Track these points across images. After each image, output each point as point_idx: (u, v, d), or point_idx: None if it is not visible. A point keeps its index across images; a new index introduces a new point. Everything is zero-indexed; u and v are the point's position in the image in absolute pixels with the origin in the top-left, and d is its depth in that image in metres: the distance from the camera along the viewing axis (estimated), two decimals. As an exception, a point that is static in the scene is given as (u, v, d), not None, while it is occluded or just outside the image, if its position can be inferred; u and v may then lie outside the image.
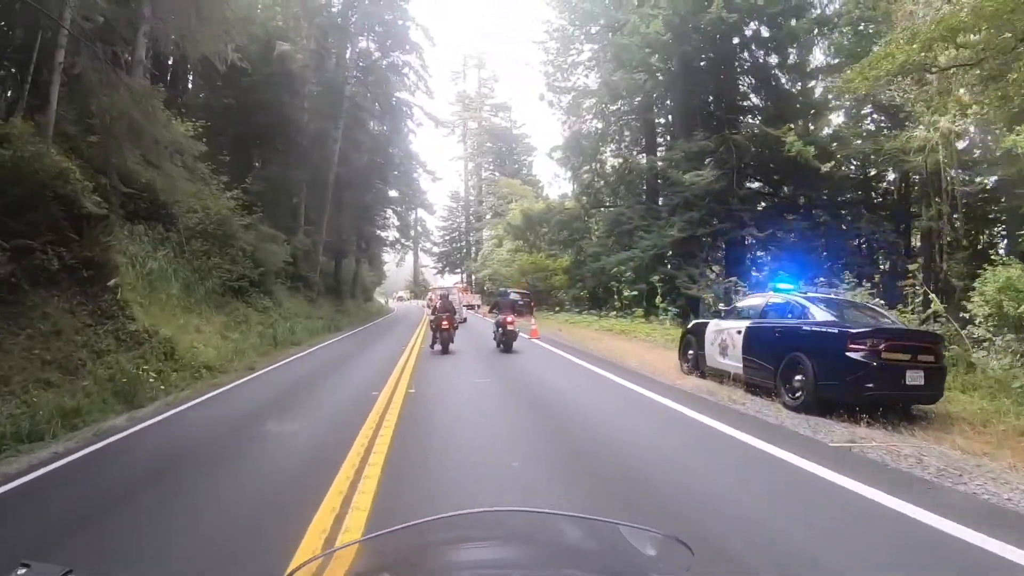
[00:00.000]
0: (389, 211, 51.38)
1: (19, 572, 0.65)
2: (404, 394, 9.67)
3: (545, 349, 17.09)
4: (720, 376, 10.86)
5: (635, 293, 24.74)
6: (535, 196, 52.95)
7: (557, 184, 59.90)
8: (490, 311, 22.08)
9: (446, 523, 1.84)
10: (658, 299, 24.19)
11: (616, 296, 27.28)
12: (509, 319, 16.71)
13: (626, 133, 34.50)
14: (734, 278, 21.51)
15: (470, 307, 31.35)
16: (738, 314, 11.15)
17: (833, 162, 24.40)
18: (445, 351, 16.23)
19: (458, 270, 76.10)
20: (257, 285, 21.54)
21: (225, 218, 20.61)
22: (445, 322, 16.36)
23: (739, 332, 10.32)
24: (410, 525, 1.61)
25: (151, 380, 10.11)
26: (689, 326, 13.17)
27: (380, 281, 66.27)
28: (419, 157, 43.26)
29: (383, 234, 54.78)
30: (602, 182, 33.66)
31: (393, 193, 46.78)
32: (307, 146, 30.75)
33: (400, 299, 79.22)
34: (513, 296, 31.55)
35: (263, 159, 29.11)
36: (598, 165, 33.68)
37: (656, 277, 25.28)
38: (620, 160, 33.85)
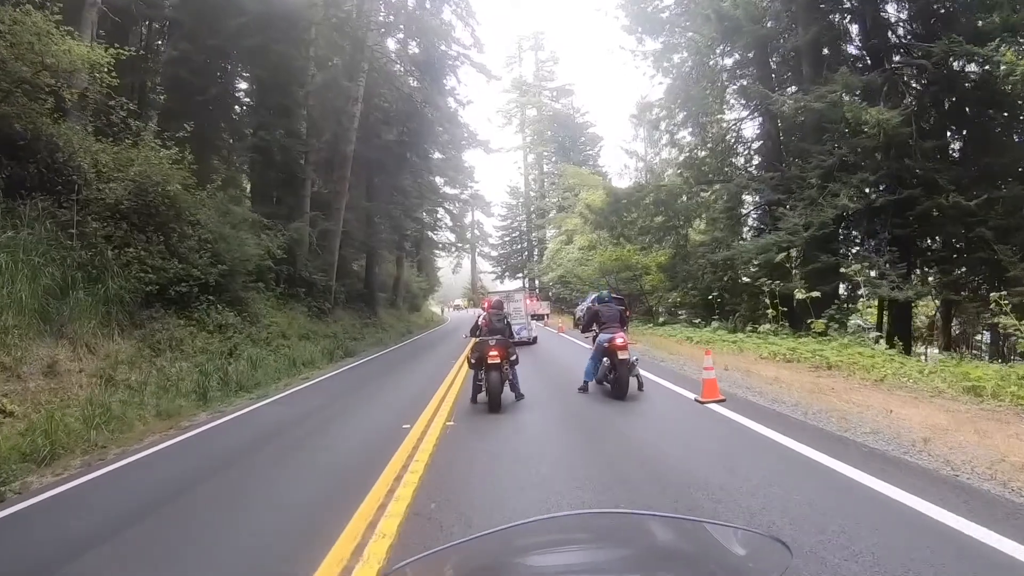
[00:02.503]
0: (440, 211, 44.49)
1: None
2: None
3: (716, 413, 8.04)
4: None
5: (815, 296, 15.73)
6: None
7: (628, 176, 52.64)
8: (580, 326, 14.07)
9: (534, 527, 1.82)
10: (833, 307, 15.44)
11: (763, 300, 18.12)
12: (620, 339, 9.18)
13: (732, 85, 25.64)
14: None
15: (537, 317, 22.92)
16: None
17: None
18: (495, 408, 8.68)
19: (519, 275, 68.26)
20: (213, 291, 13.99)
21: (176, 195, 13.31)
22: (494, 352, 8.79)
23: None
24: (498, 530, 1.65)
25: None
26: None
27: (433, 288, 59.87)
28: (469, 127, 34.76)
29: (435, 236, 48.45)
30: (711, 147, 24.91)
31: (439, 180, 39.38)
32: (316, 110, 23.38)
33: (457, 308, 74.45)
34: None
35: (257, 124, 21.69)
36: (706, 123, 24.92)
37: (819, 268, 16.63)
38: (733, 120, 25.17)
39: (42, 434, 7.00)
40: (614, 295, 11.15)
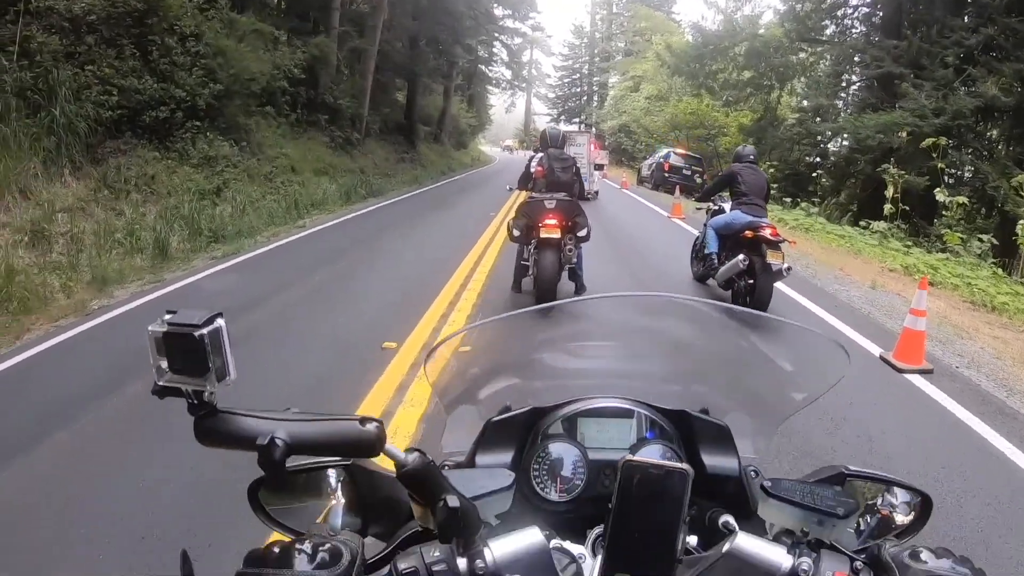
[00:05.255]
0: (497, 44, 40.65)
1: (165, 318, 0.59)
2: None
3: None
4: None
5: (961, 202, 12.45)
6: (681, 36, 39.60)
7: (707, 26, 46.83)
8: (688, 192, 11.21)
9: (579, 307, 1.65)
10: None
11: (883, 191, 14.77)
12: (770, 229, 6.27)
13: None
14: None
15: (598, 167, 20.06)
16: None
17: None
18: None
19: (575, 119, 64.26)
20: (204, 116, 11.67)
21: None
22: (552, 221, 6.01)
23: None
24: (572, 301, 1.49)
25: None
26: None
27: (482, 126, 57.38)
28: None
29: (488, 71, 45.08)
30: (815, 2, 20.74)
31: (498, 12, 35.37)
32: None
33: (507, 149, 70.68)
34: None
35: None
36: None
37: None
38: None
39: None
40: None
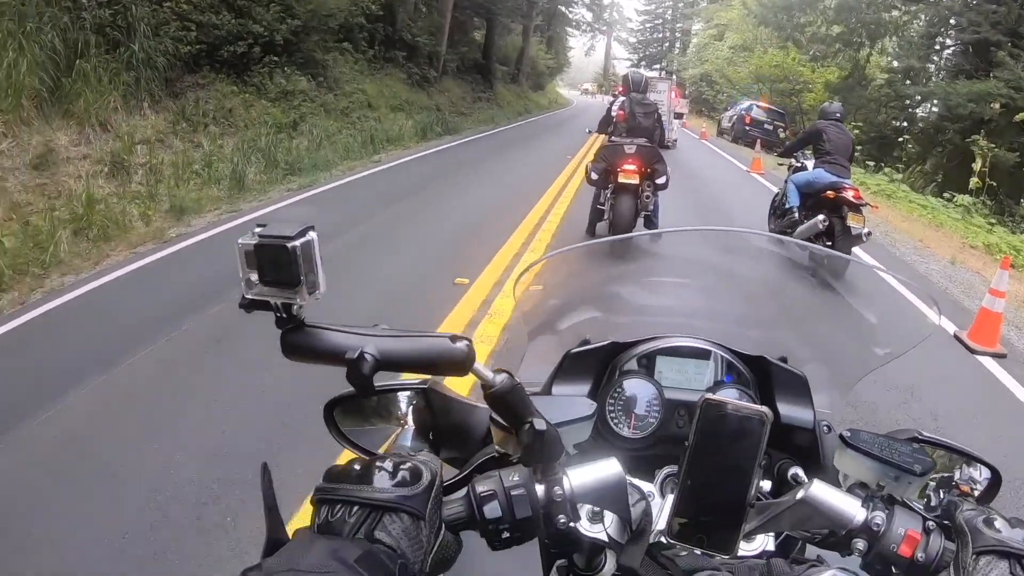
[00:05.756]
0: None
1: (256, 231, 0.58)
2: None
3: None
4: None
5: None
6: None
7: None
8: (769, 147, 10.46)
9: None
10: None
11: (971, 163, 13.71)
12: (852, 191, 6.03)
13: None
14: None
15: (677, 116, 19.41)
16: None
17: None
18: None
19: (656, 66, 62.45)
20: (281, 52, 11.59)
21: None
22: (631, 166, 5.95)
23: None
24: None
25: None
26: None
27: (561, 68, 56.04)
28: None
29: (568, 12, 44.17)
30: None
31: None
32: None
33: (585, 92, 69.92)
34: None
35: None
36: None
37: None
38: None
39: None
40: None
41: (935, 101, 17.57)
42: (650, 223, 6.23)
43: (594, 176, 6.23)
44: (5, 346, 4.03)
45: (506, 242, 6.48)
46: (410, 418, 0.95)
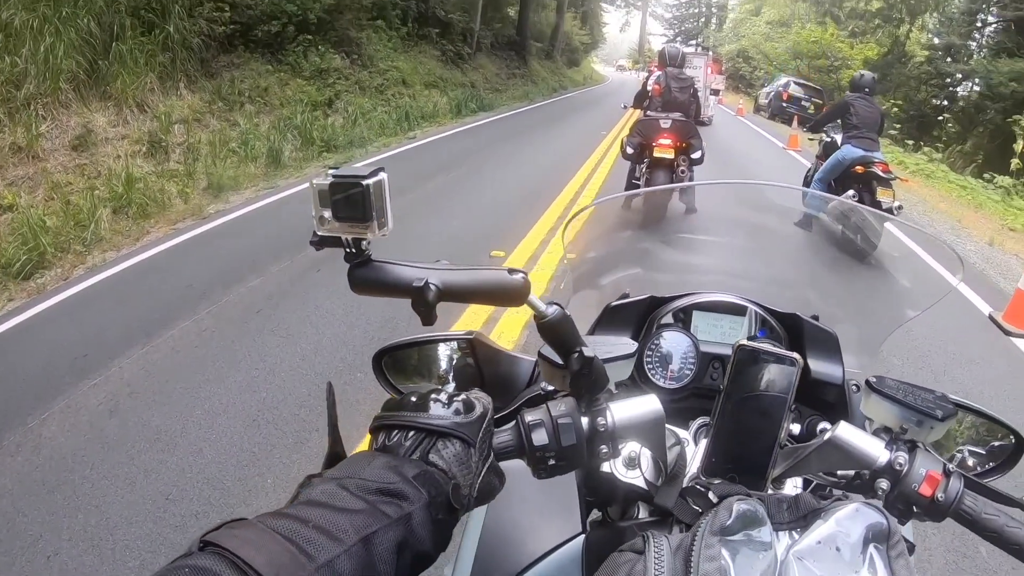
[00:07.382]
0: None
1: (330, 172, 0.61)
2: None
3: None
4: None
5: None
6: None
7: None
8: (805, 123, 10.16)
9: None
10: None
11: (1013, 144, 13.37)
12: (882, 166, 6.08)
13: None
14: None
15: (713, 92, 19.03)
16: None
17: None
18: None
19: (691, 42, 61.26)
20: (316, 30, 11.57)
21: None
22: (666, 140, 5.99)
23: None
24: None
25: None
26: None
27: (596, 44, 55.84)
28: None
29: None
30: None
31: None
32: None
33: (621, 68, 68.36)
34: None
35: None
36: None
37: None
38: None
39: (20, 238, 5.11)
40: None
41: (976, 80, 17.15)
42: (686, 197, 6.04)
43: (629, 150, 6.23)
44: (50, 319, 4.12)
45: (542, 215, 6.46)
46: (451, 375, 1.00)
